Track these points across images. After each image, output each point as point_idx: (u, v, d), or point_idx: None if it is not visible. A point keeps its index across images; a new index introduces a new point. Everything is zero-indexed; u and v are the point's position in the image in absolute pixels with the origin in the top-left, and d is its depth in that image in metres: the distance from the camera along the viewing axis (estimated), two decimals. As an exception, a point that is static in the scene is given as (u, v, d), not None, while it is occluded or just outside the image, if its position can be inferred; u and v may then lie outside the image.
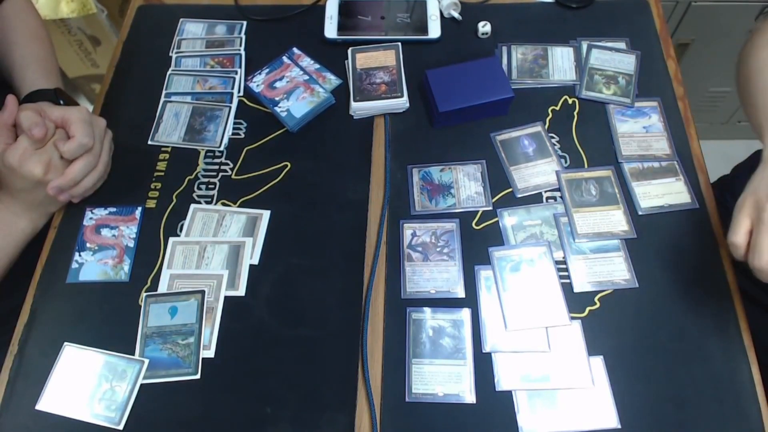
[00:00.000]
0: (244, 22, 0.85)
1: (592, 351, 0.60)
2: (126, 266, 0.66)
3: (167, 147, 0.75)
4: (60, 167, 0.62)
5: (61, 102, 0.68)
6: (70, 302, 0.64)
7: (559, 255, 0.65)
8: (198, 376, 0.60)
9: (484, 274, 0.64)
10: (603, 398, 0.58)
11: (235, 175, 0.72)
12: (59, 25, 1.44)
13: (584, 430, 0.57)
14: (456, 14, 0.83)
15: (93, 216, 0.69)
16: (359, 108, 0.75)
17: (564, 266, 0.65)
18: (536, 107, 0.76)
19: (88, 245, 0.67)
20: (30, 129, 0.59)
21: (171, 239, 0.67)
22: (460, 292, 0.63)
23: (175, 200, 0.70)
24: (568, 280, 0.64)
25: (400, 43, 0.79)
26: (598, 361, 0.60)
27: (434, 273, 0.64)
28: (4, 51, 0.76)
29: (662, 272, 0.64)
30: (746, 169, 0.87)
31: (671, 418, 0.57)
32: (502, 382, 0.59)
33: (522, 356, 0.60)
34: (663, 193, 0.68)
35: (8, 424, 0.58)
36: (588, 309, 0.62)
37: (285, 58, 0.81)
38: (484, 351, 0.60)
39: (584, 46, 0.80)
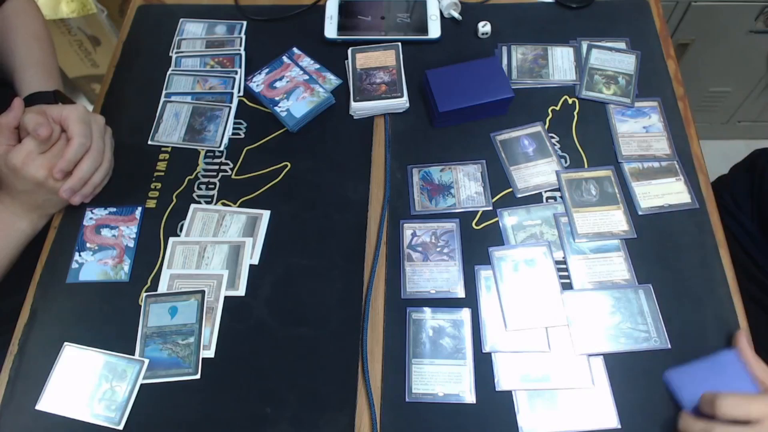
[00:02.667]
0: (244, 22, 0.85)
1: (592, 351, 0.60)
2: (126, 266, 0.66)
3: (167, 147, 0.75)
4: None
5: (60, 103, 0.68)
6: (70, 302, 0.64)
7: (559, 255, 0.65)
8: (198, 376, 0.60)
9: (484, 274, 0.64)
10: (603, 398, 0.58)
11: (235, 175, 0.72)
12: (59, 25, 1.44)
13: (584, 430, 0.57)
14: (456, 14, 0.83)
15: (93, 216, 0.69)
16: (359, 108, 0.75)
17: (564, 266, 0.65)
18: (536, 107, 0.76)
19: (88, 245, 0.67)
20: (35, 129, 0.59)
21: (171, 239, 0.67)
22: (460, 292, 0.63)
23: (175, 200, 0.70)
24: (568, 280, 0.64)
25: (400, 43, 0.79)
26: (598, 361, 0.60)
27: (434, 273, 0.64)
28: (5, 52, 0.76)
29: (662, 272, 0.64)
30: (743, 169, 0.87)
31: (671, 418, 0.57)
32: (502, 382, 0.59)
33: (522, 356, 0.60)
34: (663, 193, 0.68)
35: (8, 424, 0.58)
36: (588, 309, 0.62)
37: (285, 58, 0.81)
38: (484, 351, 0.60)
39: (584, 46, 0.80)
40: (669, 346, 0.59)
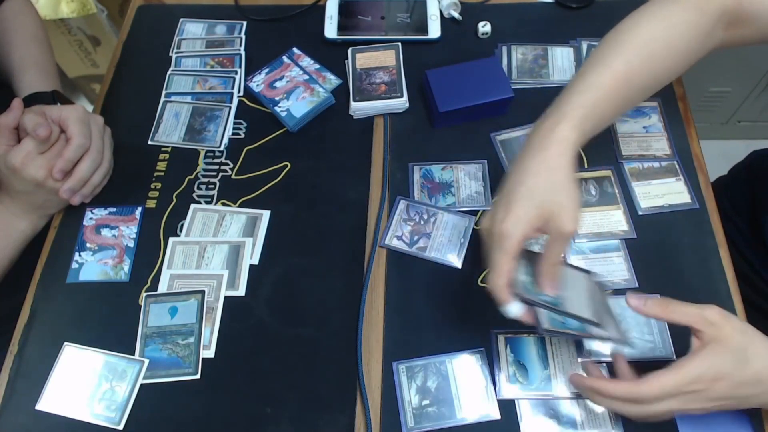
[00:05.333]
0: (244, 22, 0.85)
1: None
2: (126, 266, 0.66)
3: (167, 147, 0.75)
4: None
5: (59, 104, 0.68)
6: (70, 302, 0.64)
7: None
8: (198, 376, 0.60)
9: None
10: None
11: (235, 175, 0.72)
12: (59, 25, 1.44)
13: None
14: (456, 14, 0.83)
15: (93, 216, 0.69)
16: (359, 108, 0.75)
17: (564, 266, 0.65)
18: (536, 107, 0.75)
19: (88, 245, 0.67)
20: (35, 129, 0.59)
21: (171, 239, 0.67)
22: (456, 262, 0.64)
23: (175, 200, 0.70)
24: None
25: (400, 43, 0.79)
26: (602, 370, 0.58)
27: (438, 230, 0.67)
28: (4, 53, 0.76)
29: (662, 272, 0.64)
30: (742, 169, 0.87)
31: (672, 420, 0.57)
32: (503, 391, 0.58)
33: (523, 363, 0.59)
34: (663, 193, 0.68)
35: (8, 424, 0.58)
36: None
37: (285, 58, 0.81)
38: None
39: (584, 46, 0.80)
40: (674, 356, 0.59)
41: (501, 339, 0.61)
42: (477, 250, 0.66)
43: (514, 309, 0.48)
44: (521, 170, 0.50)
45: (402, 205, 0.69)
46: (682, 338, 0.60)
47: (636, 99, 0.58)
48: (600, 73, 0.54)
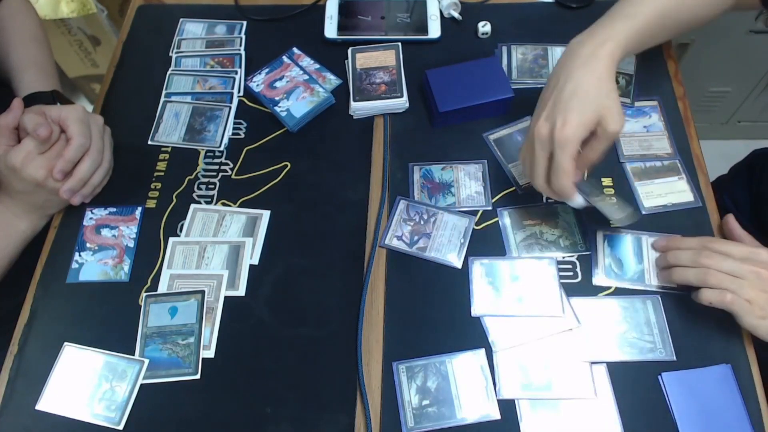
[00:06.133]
0: (244, 22, 0.85)
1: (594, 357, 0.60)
2: (126, 266, 0.66)
3: (167, 147, 0.75)
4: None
5: (58, 104, 0.68)
6: (70, 302, 0.64)
7: (561, 255, 0.65)
8: (198, 376, 0.60)
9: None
10: (607, 408, 0.57)
11: (235, 175, 0.72)
12: (59, 25, 1.44)
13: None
14: (456, 14, 0.83)
15: (93, 216, 0.69)
16: (359, 108, 0.75)
17: (568, 265, 0.65)
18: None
19: (88, 245, 0.67)
20: (35, 129, 0.59)
21: (171, 239, 0.67)
22: (456, 263, 0.65)
23: (175, 200, 0.70)
24: (567, 280, 0.64)
25: (400, 43, 0.79)
26: (601, 370, 0.59)
27: (438, 230, 0.67)
28: (3, 53, 0.76)
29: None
30: (743, 169, 0.87)
31: (672, 422, 0.57)
32: (504, 391, 0.58)
33: (523, 363, 0.59)
34: (666, 192, 0.68)
35: (8, 424, 0.58)
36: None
37: (285, 58, 0.81)
38: (491, 347, 0.60)
39: (584, 45, 0.80)
40: (674, 357, 0.59)
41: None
42: (474, 244, 0.66)
43: (579, 200, 0.58)
44: (571, 80, 0.57)
45: (402, 205, 0.69)
46: (682, 338, 0.60)
47: (673, 33, 0.66)
48: (642, 3, 0.61)
